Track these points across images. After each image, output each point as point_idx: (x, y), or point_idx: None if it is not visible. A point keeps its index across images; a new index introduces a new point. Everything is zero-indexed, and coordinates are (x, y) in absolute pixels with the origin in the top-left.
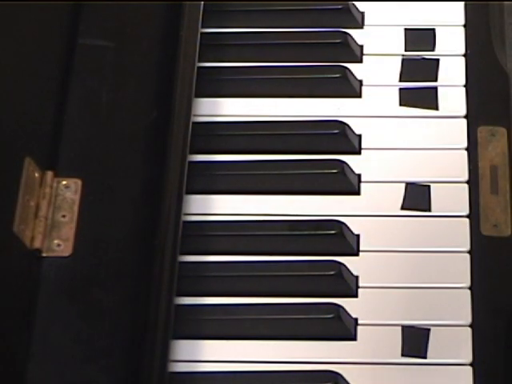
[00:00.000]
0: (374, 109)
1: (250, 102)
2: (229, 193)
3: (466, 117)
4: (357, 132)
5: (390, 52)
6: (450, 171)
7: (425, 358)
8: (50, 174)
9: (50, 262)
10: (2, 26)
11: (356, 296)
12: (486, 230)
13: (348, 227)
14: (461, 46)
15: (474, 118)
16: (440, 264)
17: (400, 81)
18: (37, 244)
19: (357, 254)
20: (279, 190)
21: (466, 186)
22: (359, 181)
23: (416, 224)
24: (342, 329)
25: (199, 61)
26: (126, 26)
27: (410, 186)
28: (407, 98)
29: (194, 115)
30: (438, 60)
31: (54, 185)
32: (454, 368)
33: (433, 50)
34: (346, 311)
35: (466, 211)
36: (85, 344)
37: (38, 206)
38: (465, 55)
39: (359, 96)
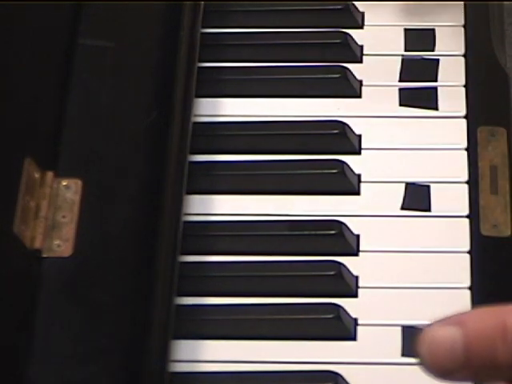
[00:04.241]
0: (374, 109)
1: (249, 102)
2: (229, 193)
3: (465, 117)
4: (357, 132)
5: (389, 52)
6: (450, 171)
7: None
8: (50, 174)
9: (50, 262)
10: (2, 26)
11: (356, 296)
12: (486, 230)
13: (348, 227)
14: (461, 46)
15: (474, 118)
16: (440, 264)
17: (400, 81)
18: (37, 244)
19: (357, 254)
20: (279, 190)
21: (465, 186)
22: (359, 181)
23: (416, 224)
24: (342, 329)
25: (199, 61)
26: (125, 25)
27: (410, 186)
28: (407, 98)
29: (194, 115)
30: (437, 60)
31: (55, 185)
32: None
33: (433, 50)
34: (346, 311)
35: (466, 211)
36: (85, 344)
37: (38, 207)
38: (465, 55)
39: (359, 96)
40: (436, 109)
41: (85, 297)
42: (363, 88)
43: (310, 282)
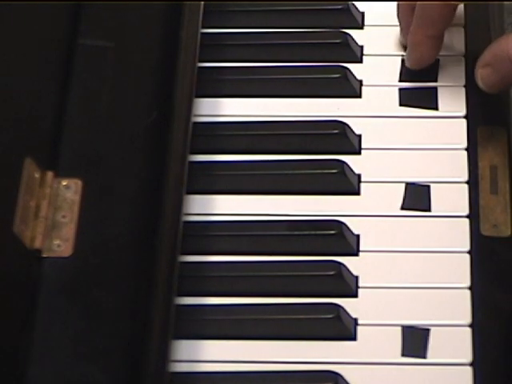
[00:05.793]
0: (374, 109)
1: (249, 102)
2: (229, 193)
3: (465, 117)
4: (357, 132)
5: (389, 52)
6: (450, 171)
7: (425, 358)
8: (50, 174)
9: (50, 262)
10: (2, 26)
11: (356, 296)
12: (486, 230)
13: (348, 227)
14: (461, 46)
15: (474, 118)
16: (440, 264)
17: (400, 81)
18: (37, 244)
19: (357, 254)
20: (279, 190)
21: (465, 186)
22: (359, 181)
23: (416, 224)
24: (342, 329)
25: (199, 61)
26: (125, 25)
27: (410, 186)
28: (407, 98)
29: (194, 115)
30: (437, 60)
31: (55, 185)
32: (453, 368)
33: None
34: (346, 311)
35: (466, 211)
36: (85, 344)
37: (38, 207)
38: (465, 55)
39: (359, 96)
40: (436, 109)
41: (85, 297)
42: (363, 88)
43: (309, 282)
